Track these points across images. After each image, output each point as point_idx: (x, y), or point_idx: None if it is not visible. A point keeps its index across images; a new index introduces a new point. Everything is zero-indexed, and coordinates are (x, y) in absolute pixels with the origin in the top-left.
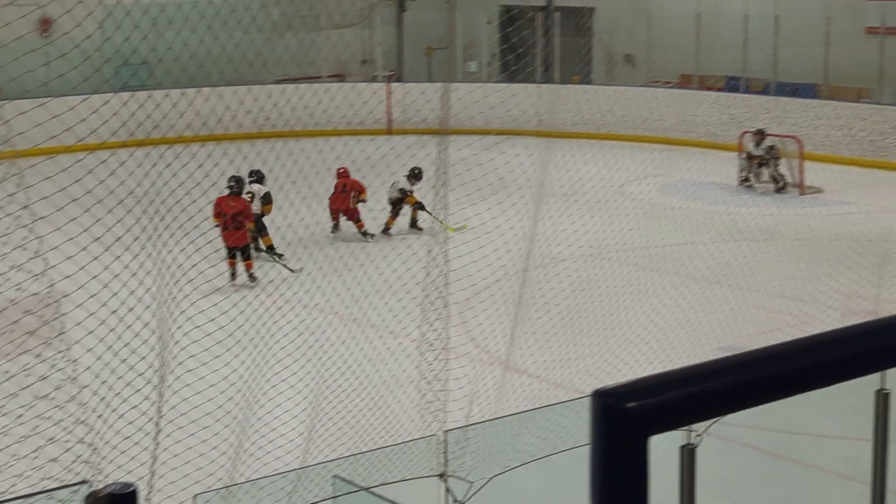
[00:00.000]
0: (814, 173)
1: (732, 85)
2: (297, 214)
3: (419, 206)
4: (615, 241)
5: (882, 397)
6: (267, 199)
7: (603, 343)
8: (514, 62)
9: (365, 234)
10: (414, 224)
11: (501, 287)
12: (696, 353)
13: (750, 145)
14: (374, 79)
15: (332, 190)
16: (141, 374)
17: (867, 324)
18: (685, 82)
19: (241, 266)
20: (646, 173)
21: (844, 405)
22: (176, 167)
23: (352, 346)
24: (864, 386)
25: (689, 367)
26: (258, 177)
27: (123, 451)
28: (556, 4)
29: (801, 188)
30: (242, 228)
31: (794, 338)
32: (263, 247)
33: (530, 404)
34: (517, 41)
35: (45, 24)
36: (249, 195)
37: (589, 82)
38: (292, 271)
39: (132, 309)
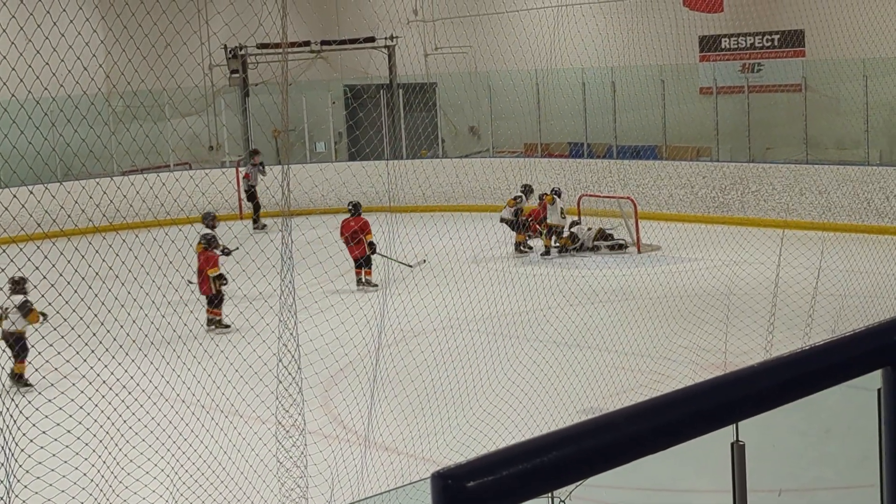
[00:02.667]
0: (657, 232)
1: (576, 151)
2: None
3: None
4: (470, 311)
5: (738, 449)
6: (26, 310)
7: (466, 413)
8: (361, 140)
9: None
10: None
11: (361, 366)
12: (559, 417)
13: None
14: (222, 164)
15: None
16: None
17: (715, 379)
18: (530, 151)
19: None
20: (497, 242)
21: (705, 459)
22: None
23: (207, 438)
24: (721, 436)
25: (526, 441)
26: (18, 287)
27: None
28: (398, 82)
29: (639, 247)
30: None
31: (651, 396)
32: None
33: (396, 481)
34: (363, 119)
35: None
36: (2, 310)
37: (436, 156)
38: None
39: None
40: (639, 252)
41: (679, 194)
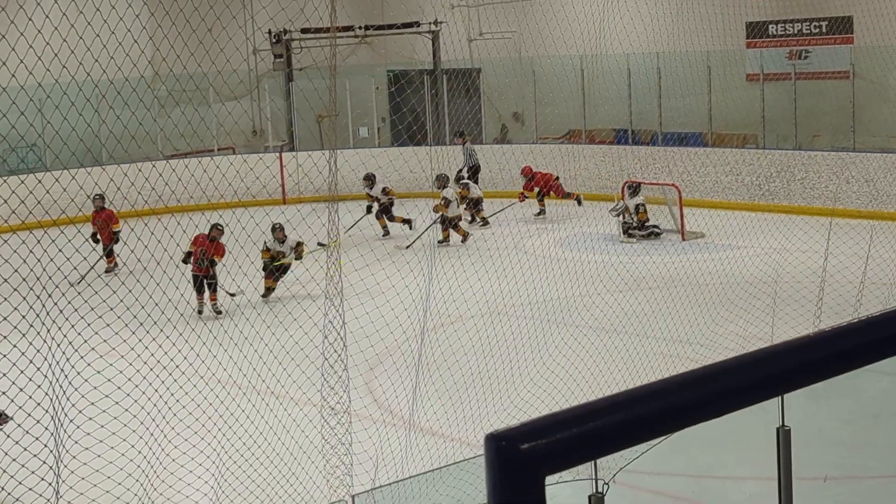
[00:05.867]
0: (701, 219)
1: (620, 137)
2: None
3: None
4: (513, 297)
5: (784, 434)
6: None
7: (506, 399)
8: (405, 125)
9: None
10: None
11: (403, 350)
12: None
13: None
14: (265, 149)
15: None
16: (36, 455)
17: (764, 349)
18: (574, 137)
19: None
20: (540, 228)
21: (747, 445)
22: (60, 248)
23: (254, 417)
24: (764, 424)
25: (582, 404)
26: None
27: None
28: (442, 67)
29: (683, 234)
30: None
31: None
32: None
33: (437, 464)
34: (407, 105)
35: None
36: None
37: (479, 142)
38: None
39: (22, 389)
40: (683, 239)
41: (724, 182)
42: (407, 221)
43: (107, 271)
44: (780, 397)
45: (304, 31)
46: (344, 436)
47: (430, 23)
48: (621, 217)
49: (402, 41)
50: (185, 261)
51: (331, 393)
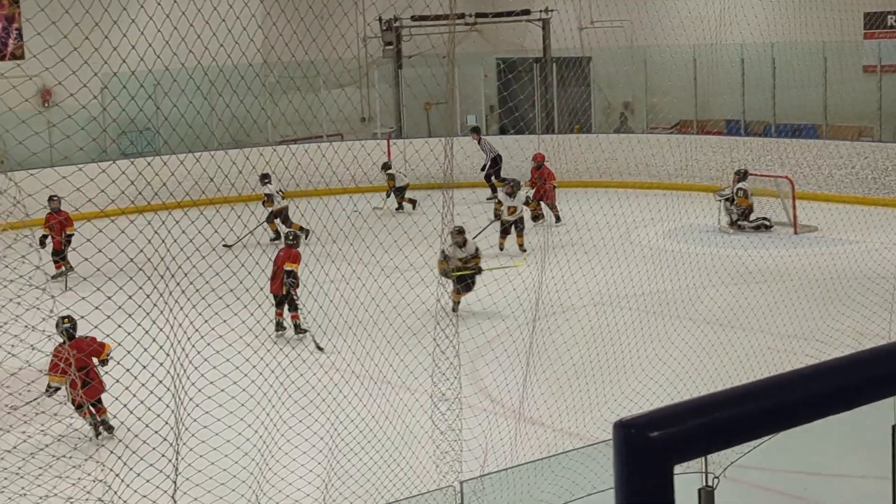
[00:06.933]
0: (814, 213)
1: (733, 128)
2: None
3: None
4: (622, 287)
5: None
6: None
7: (614, 391)
8: (513, 113)
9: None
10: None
11: (509, 338)
12: None
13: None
14: (373, 136)
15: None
16: (157, 432)
17: (890, 345)
18: (685, 127)
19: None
20: (650, 219)
21: (860, 444)
22: (179, 231)
23: (366, 401)
24: (879, 422)
25: (711, 394)
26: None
27: None
28: (552, 56)
29: (795, 228)
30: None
31: None
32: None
33: (542, 454)
34: (515, 93)
35: (46, 96)
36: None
37: (589, 131)
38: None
39: (146, 367)
40: (795, 233)
41: (839, 175)
42: (412, 202)
43: (54, 277)
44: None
45: (415, 17)
46: (454, 422)
47: (540, 11)
48: (724, 205)
49: (513, 29)
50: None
51: (442, 379)
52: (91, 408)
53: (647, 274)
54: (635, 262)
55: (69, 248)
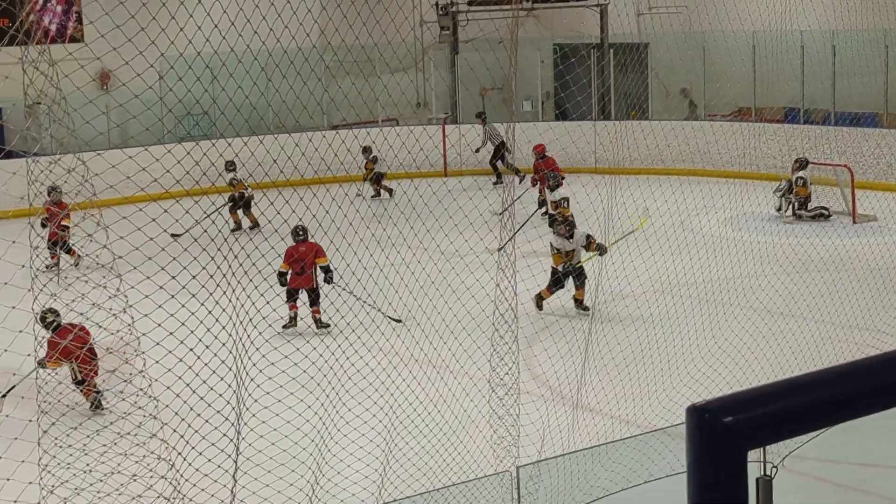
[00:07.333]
0: (874, 202)
1: (792, 116)
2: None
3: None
4: (680, 275)
5: None
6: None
7: (670, 379)
8: (570, 100)
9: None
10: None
11: (563, 324)
12: None
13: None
14: (429, 121)
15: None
16: (219, 412)
17: None
18: (743, 115)
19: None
20: (707, 207)
21: None
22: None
23: (425, 384)
24: None
25: (783, 380)
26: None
27: (203, 489)
28: (609, 41)
29: (854, 217)
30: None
31: None
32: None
33: (597, 441)
34: (572, 79)
35: (105, 78)
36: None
37: (646, 117)
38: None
39: (208, 347)
40: (854, 222)
41: None
42: (389, 190)
43: (49, 268)
44: None
45: (470, 3)
46: (512, 406)
47: None
48: (784, 196)
49: (570, 15)
50: (283, 283)
51: (500, 363)
52: (89, 386)
53: (704, 262)
54: (693, 250)
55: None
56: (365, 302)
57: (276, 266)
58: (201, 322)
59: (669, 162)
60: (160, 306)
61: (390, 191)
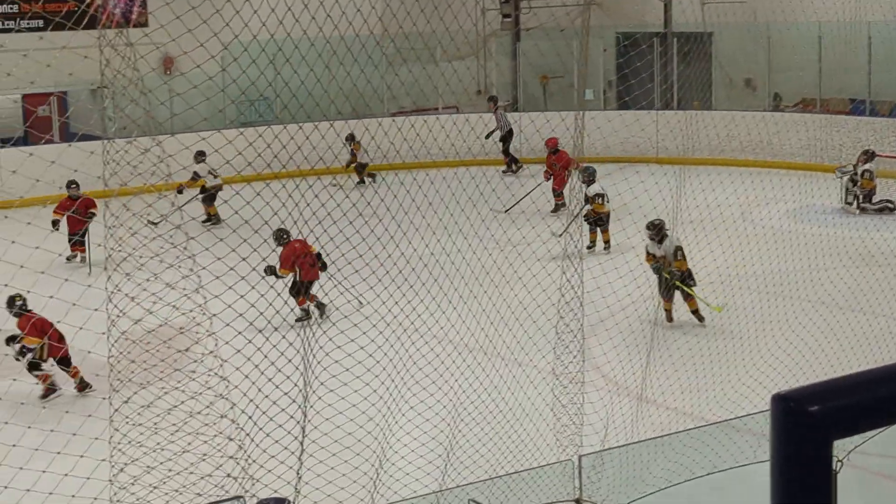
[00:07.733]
0: None
1: (857, 108)
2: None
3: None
4: (742, 267)
5: None
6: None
7: (732, 371)
8: (632, 89)
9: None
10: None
11: (625, 315)
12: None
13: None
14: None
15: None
16: (286, 394)
17: None
18: (808, 106)
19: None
20: (771, 199)
21: None
22: (311, 196)
23: (489, 372)
24: None
25: (869, 370)
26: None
27: (269, 470)
28: (673, 30)
29: None
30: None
31: None
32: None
33: (658, 432)
34: (634, 68)
35: (168, 63)
36: None
37: (709, 108)
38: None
39: (277, 328)
40: None
41: None
42: (372, 175)
43: (69, 259)
44: None
45: None
46: (576, 395)
47: None
48: (848, 186)
49: (633, 3)
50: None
51: (565, 352)
52: (61, 365)
53: (767, 254)
54: (755, 243)
55: (86, 231)
56: (340, 283)
57: (344, 250)
58: (270, 304)
59: (732, 152)
60: (230, 287)
61: (374, 176)
